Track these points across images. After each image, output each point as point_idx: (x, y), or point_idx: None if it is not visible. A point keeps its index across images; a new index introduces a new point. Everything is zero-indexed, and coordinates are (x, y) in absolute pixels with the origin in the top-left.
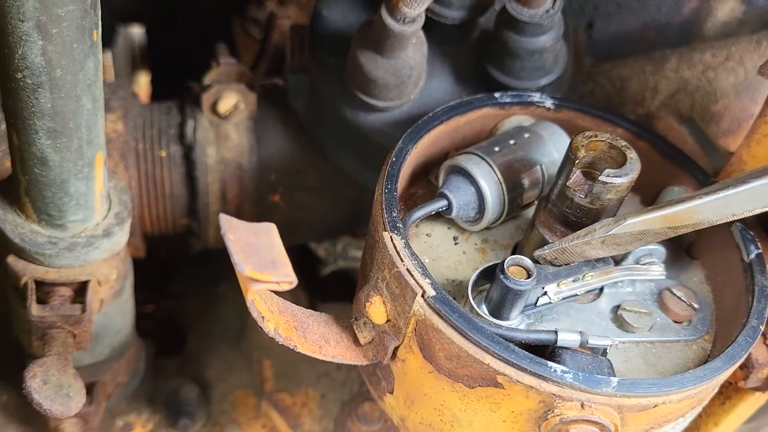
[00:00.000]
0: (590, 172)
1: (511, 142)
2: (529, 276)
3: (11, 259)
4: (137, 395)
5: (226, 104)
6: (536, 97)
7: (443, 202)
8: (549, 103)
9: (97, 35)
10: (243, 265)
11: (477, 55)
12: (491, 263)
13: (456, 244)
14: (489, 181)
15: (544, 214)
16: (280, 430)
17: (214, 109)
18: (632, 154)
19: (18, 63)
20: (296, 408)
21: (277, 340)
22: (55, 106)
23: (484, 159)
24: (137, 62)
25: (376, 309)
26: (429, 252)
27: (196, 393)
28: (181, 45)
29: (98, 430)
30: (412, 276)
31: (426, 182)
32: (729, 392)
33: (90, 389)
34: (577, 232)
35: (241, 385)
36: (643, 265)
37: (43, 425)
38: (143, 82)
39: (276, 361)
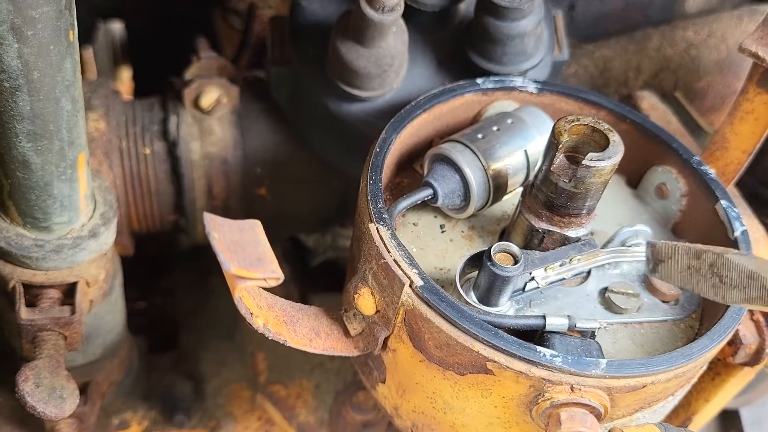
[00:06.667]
0: (574, 156)
1: (495, 128)
2: (516, 262)
3: None
4: (132, 393)
5: (208, 99)
6: (519, 81)
7: (428, 191)
8: (532, 87)
9: (74, 36)
10: (229, 263)
11: (458, 41)
12: (478, 250)
13: (443, 232)
14: (473, 169)
15: (530, 200)
16: (276, 422)
17: (196, 104)
18: (615, 137)
19: None
20: (291, 399)
21: (266, 336)
22: (34, 109)
23: (468, 146)
24: (118, 57)
25: (365, 300)
26: (416, 241)
27: (190, 388)
28: (162, 38)
29: (94, 429)
30: (399, 266)
31: (411, 171)
32: (718, 368)
33: (84, 389)
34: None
35: (235, 379)
36: (630, 246)
37: (39, 426)
38: (125, 78)
39: (269, 354)
